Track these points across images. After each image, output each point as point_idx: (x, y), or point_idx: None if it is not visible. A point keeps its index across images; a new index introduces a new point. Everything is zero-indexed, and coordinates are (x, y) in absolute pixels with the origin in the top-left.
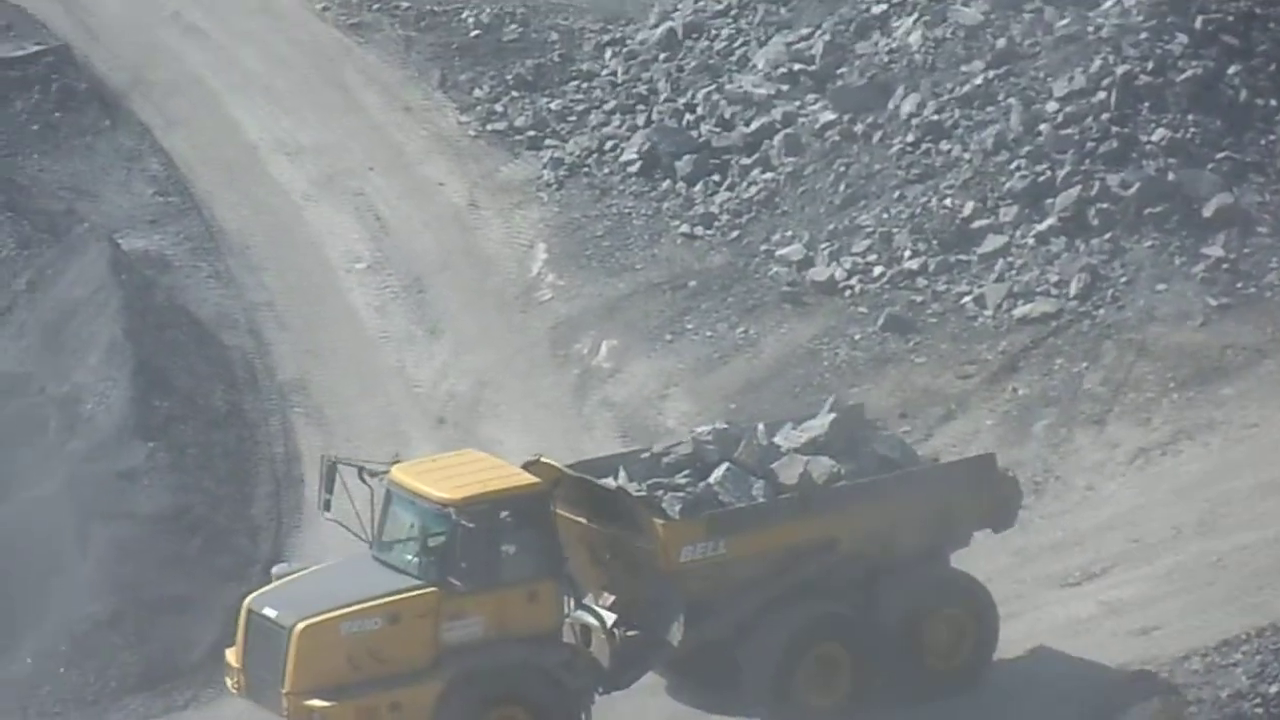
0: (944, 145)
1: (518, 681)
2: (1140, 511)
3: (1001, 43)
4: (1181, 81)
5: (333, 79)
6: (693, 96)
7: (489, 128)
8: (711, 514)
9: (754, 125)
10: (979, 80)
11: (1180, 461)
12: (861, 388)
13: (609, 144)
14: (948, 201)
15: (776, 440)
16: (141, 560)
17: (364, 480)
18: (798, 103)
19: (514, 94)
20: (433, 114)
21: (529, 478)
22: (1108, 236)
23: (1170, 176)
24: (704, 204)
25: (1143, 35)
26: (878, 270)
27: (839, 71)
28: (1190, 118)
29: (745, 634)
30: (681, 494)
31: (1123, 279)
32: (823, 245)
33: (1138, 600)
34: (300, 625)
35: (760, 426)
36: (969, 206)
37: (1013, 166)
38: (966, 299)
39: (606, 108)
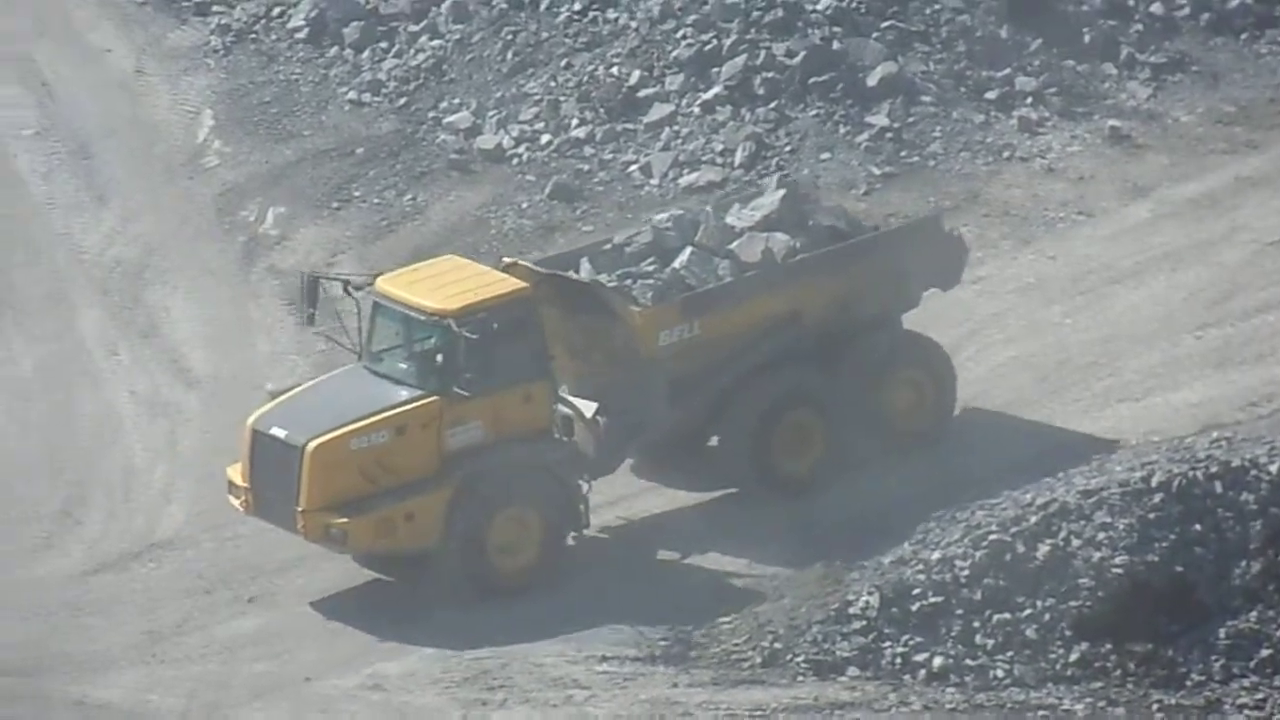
0: (611, 14)
1: (522, 481)
2: None
3: None
4: None
5: None
6: None
7: None
8: (684, 297)
9: None
10: None
11: None
12: (530, 255)
13: (276, 10)
14: (614, 70)
15: (729, 220)
16: None
17: (349, 293)
18: None
19: None
20: None
21: (517, 282)
22: (773, 105)
23: (835, 45)
24: (371, 71)
25: None
26: (545, 138)
27: None
28: None
29: (722, 409)
30: (651, 281)
31: (787, 148)
32: (490, 113)
33: None
34: (312, 444)
35: (709, 209)
36: (635, 75)
37: (679, 35)
38: (633, 167)
39: None
